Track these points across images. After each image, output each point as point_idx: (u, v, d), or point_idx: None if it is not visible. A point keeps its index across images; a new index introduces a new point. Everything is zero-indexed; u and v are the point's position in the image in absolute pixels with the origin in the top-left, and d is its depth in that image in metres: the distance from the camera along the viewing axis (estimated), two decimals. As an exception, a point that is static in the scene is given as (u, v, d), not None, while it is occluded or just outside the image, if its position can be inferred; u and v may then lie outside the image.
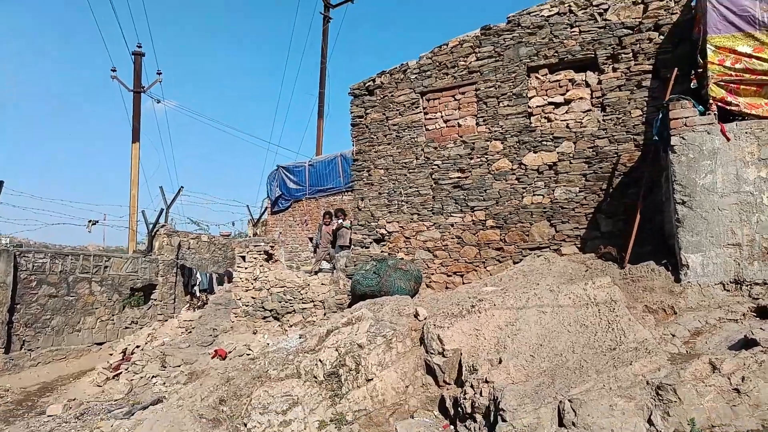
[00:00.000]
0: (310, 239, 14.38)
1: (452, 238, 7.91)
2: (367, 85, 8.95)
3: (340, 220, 10.73)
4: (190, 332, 10.59)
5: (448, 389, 4.66)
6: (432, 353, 4.87)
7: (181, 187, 16.30)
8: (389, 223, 8.54)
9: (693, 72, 6.28)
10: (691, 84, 6.35)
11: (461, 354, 4.67)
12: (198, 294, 14.97)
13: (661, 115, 5.63)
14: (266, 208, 17.51)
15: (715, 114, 5.30)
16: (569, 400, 3.43)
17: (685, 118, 5.25)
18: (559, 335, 4.38)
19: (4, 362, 10.83)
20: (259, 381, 5.61)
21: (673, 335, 4.23)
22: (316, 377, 5.12)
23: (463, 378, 4.44)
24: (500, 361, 4.22)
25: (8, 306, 10.95)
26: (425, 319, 5.46)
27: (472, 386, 4.18)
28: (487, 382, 4.06)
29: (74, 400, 8.77)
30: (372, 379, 4.81)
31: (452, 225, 7.93)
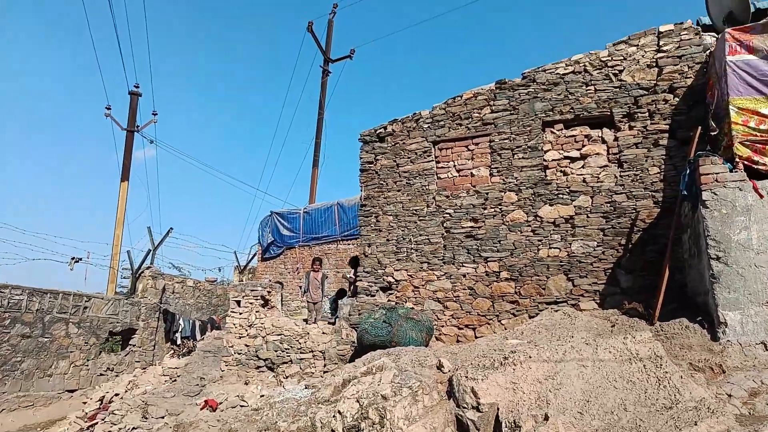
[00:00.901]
0: (300, 287, 13.97)
1: (464, 289, 7.69)
2: (378, 132, 8.94)
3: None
4: (175, 381, 9.93)
5: (483, 448, 4.31)
6: (465, 407, 4.53)
7: (171, 228, 15.92)
8: (397, 271, 8.30)
9: (707, 135, 6.40)
10: (707, 147, 6.47)
11: (498, 409, 4.36)
12: (179, 341, 14.22)
13: (688, 171, 5.65)
14: (255, 254, 17.09)
15: (743, 171, 5.32)
16: (634, 462, 3.14)
17: (716, 173, 5.26)
18: (605, 391, 4.12)
19: (-35, 408, 9.95)
20: (267, 434, 5.16)
21: (729, 395, 4.02)
22: (334, 430, 4.71)
23: (503, 436, 4.11)
24: (546, 418, 3.92)
25: (-23, 346, 10.18)
26: (452, 371, 5.14)
27: (516, 445, 3.86)
28: (534, 440, 3.74)
29: (43, 452, 8.02)
30: (399, 435, 4.43)
31: (464, 275, 7.73)
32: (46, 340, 11.54)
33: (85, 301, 12.63)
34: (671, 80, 6.91)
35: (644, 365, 4.31)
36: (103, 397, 9.84)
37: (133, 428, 8.32)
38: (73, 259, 13.24)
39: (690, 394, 3.84)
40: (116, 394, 9.81)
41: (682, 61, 6.87)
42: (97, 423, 8.82)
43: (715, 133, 6.21)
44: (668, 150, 6.80)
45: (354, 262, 9.86)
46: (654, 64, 7.03)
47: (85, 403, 10.45)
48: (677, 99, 6.85)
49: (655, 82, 6.99)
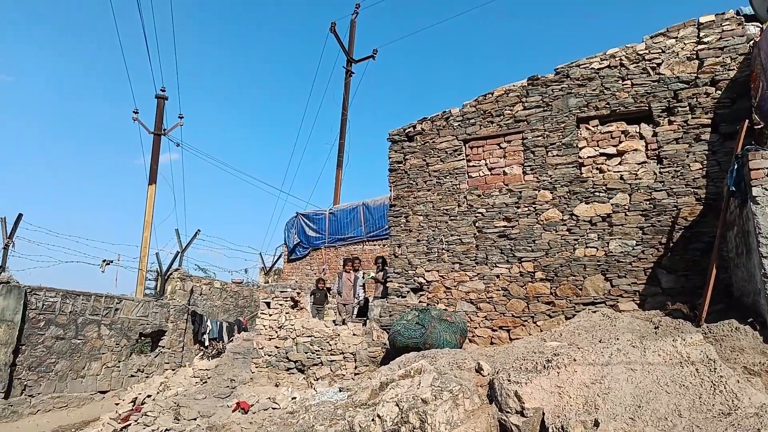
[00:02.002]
0: (329, 289, 13.94)
1: (497, 290, 7.54)
2: (407, 131, 8.84)
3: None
4: (206, 382, 9.98)
5: (528, 454, 4.17)
6: (508, 412, 4.41)
7: (198, 230, 16.00)
8: (428, 271, 8.19)
9: (752, 128, 6.16)
10: (751, 141, 6.22)
11: (543, 414, 4.22)
12: (207, 343, 14.33)
13: (736, 166, 5.42)
14: (280, 255, 17.14)
15: (795, 166, 5.08)
16: (696, 472, 2.99)
17: (766, 168, 5.03)
18: (657, 396, 3.95)
19: (2, 408, 10.15)
20: (303, 437, 5.10)
21: (791, 400, 3.82)
22: (373, 435, 4.63)
23: (550, 441, 3.97)
24: (596, 423, 3.78)
25: (13, 347, 10.39)
26: (492, 374, 5.02)
27: (565, 451, 3.72)
28: (585, 447, 3.60)
29: (79, 452, 8.10)
30: (440, 440, 4.32)
31: (498, 276, 7.58)
32: (79, 341, 11.73)
33: (117, 303, 12.81)
34: (713, 73, 6.67)
35: (696, 369, 4.12)
36: (136, 398, 9.94)
37: (167, 430, 8.35)
38: (104, 261, 13.45)
39: (749, 399, 3.66)
40: (148, 396, 9.90)
41: (724, 52, 6.62)
42: (130, 424, 8.90)
43: (760, 126, 5.98)
44: (711, 145, 6.57)
45: (384, 263, 9.78)
46: (694, 57, 6.80)
47: (117, 404, 10.57)
48: (719, 92, 6.60)
49: (695, 74, 6.75)
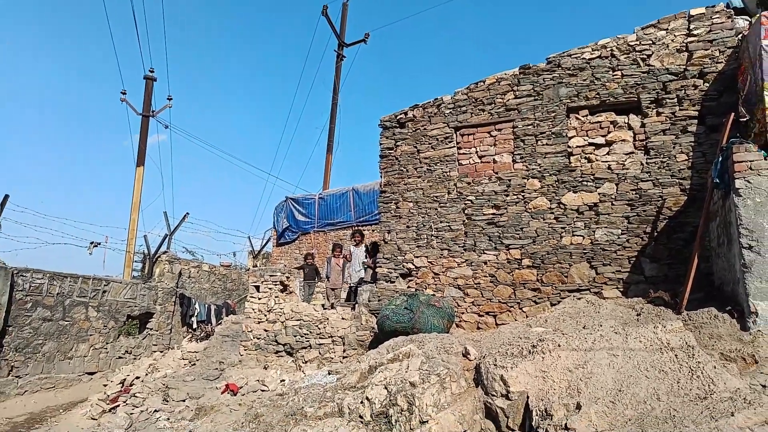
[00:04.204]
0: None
1: (485, 276, 7.66)
2: (398, 117, 8.86)
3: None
4: (194, 364, 10.04)
5: (512, 436, 4.30)
6: (493, 395, 4.53)
7: (187, 213, 15.93)
8: (417, 257, 8.28)
9: (737, 121, 6.27)
10: (736, 134, 6.34)
11: (528, 397, 4.35)
12: (195, 325, 14.36)
13: (721, 158, 5.53)
14: (269, 239, 17.15)
15: (778, 159, 5.20)
16: (672, 453, 3.12)
17: (750, 161, 5.15)
18: (637, 381, 4.09)
19: (-11, 388, 10.13)
20: (293, 419, 5.20)
21: (764, 386, 3.97)
22: (362, 417, 4.73)
23: (533, 424, 4.10)
24: (578, 407, 3.90)
25: (0, 328, 10.34)
26: (478, 358, 5.13)
27: (547, 433, 3.85)
28: (567, 429, 3.73)
29: (67, 433, 8.14)
30: (427, 422, 4.44)
31: (485, 262, 7.69)
32: (66, 323, 11.71)
33: (104, 285, 12.77)
34: (701, 65, 6.76)
35: (676, 355, 4.26)
36: (124, 379, 9.98)
37: (155, 411, 8.43)
38: (92, 243, 13.36)
39: (724, 384, 3.80)
40: (137, 377, 9.94)
41: (713, 45, 6.71)
42: (119, 405, 8.96)
43: (746, 119, 6.08)
44: (697, 137, 6.68)
45: (374, 248, 9.82)
46: (684, 49, 6.88)
47: (105, 385, 10.60)
48: (707, 84, 6.70)
49: (684, 67, 6.84)
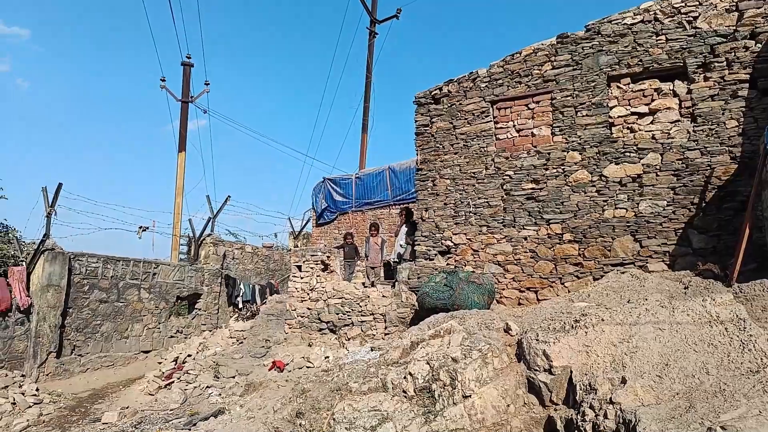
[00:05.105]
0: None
1: (525, 252, 7.60)
2: (433, 93, 8.77)
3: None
4: (242, 343, 10.42)
5: (556, 409, 4.32)
6: (536, 370, 4.55)
7: (228, 196, 16.29)
8: (456, 234, 8.27)
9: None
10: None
11: (571, 372, 4.35)
12: (241, 305, 14.83)
13: (774, 124, 5.28)
14: (309, 220, 17.42)
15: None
16: (722, 428, 3.08)
17: (807, 125, 4.90)
18: (685, 354, 4.02)
19: (55, 367, 10.82)
20: (338, 394, 5.35)
21: (821, 359, 3.85)
22: (405, 392, 4.83)
23: (577, 398, 4.11)
24: (624, 381, 3.88)
25: (62, 310, 10.97)
26: (520, 333, 5.14)
27: (592, 407, 3.85)
28: (612, 402, 3.72)
29: (128, 408, 8.62)
30: (470, 396, 4.50)
31: (525, 238, 7.62)
32: (121, 304, 12.31)
33: (154, 268, 13.32)
34: (753, 25, 6.40)
35: (726, 328, 4.16)
36: (177, 357, 10.46)
37: (207, 387, 8.83)
38: (141, 227, 13.91)
39: (778, 358, 3.70)
40: (189, 355, 10.40)
41: (766, 2, 6.33)
42: (173, 381, 9.41)
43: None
44: (748, 101, 6.37)
45: (412, 226, 9.80)
46: (734, 8, 6.52)
47: (159, 363, 11.15)
48: (759, 45, 6.35)
49: (734, 28, 6.49)
